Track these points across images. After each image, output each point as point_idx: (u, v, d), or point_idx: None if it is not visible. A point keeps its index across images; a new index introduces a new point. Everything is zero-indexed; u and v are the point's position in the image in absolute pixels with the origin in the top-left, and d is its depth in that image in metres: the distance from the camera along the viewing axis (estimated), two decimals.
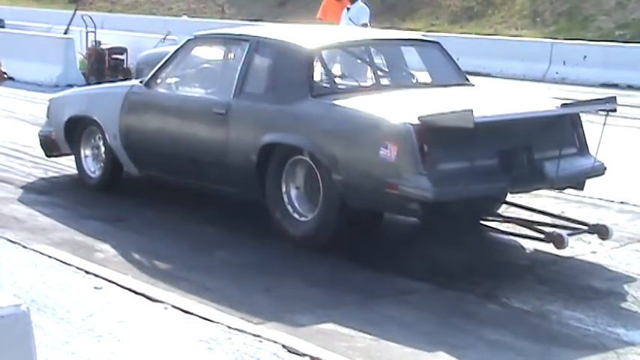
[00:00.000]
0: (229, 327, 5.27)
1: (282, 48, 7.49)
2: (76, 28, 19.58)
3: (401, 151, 6.32)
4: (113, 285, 6.01)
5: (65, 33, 19.73)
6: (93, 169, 8.86)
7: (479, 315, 5.70)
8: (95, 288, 5.95)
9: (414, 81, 7.92)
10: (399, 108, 6.70)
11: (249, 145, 7.24)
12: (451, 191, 6.32)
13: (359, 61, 8.35)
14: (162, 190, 8.53)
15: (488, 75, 20.06)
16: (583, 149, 7.09)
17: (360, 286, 6.18)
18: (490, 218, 7.34)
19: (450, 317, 5.66)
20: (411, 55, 8.15)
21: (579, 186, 7.13)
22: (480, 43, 22.66)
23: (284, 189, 7.10)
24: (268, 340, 5.09)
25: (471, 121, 5.97)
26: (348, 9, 14.78)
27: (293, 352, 4.95)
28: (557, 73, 20.33)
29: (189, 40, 8.33)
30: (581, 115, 7.17)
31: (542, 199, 8.06)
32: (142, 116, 8.29)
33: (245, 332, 5.19)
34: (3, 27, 22.98)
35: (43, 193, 8.74)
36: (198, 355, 4.92)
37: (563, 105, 6.94)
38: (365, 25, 14.12)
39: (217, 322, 5.33)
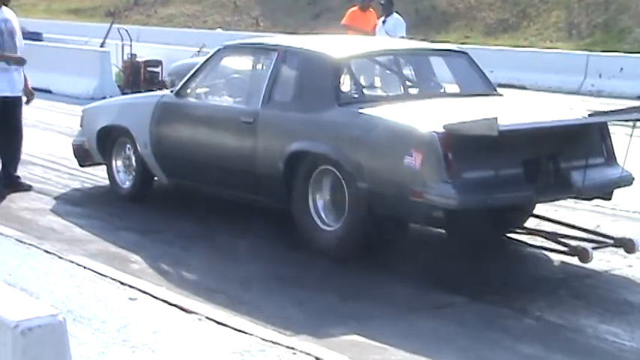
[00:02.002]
0: (263, 339, 5.26)
1: (310, 57, 7.56)
2: (112, 41, 19.77)
3: (426, 159, 6.33)
4: (147, 296, 6.03)
5: (101, 46, 19.92)
6: (124, 179, 8.96)
7: (514, 329, 5.66)
8: (130, 299, 5.97)
9: (442, 91, 7.96)
10: (424, 116, 6.71)
11: (276, 154, 7.30)
12: (476, 199, 6.32)
13: (386, 70, 8.41)
14: (195, 201, 8.56)
15: (522, 87, 20.00)
16: (611, 159, 7.06)
17: (395, 300, 6.16)
18: (514, 231, 7.31)
19: (484, 331, 5.63)
20: (439, 65, 8.16)
21: (607, 196, 7.10)
22: (515, 56, 22.58)
23: (310, 198, 7.13)
24: (302, 352, 5.08)
25: (496, 130, 5.95)
26: (384, 22, 14.82)
27: None
28: (592, 85, 20.20)
29: (218, 49, 8.41)
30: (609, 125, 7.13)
31: (577, 213, 8.01)
32: (171, 125, 8.39)
33: (279, 344, 5.19)
34: (41, 40, 23.20)
35: (79, 205, 8.81)
36: None
37: (590, 114, 6.91)
38: (402, 37, 14.13)
39: (251, 334, 5.33)
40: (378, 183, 6.65)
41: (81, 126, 9.59)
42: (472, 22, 30.48)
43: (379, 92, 7.97)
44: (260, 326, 5.50)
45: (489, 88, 7.97)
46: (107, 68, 17.88)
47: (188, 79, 8.36)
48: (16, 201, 8.89)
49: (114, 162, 9.01)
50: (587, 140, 6.86)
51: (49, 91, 17.54)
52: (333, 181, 7.02)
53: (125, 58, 18.20)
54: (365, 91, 7.81)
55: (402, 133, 6.58)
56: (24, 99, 9.43)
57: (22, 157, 9.67)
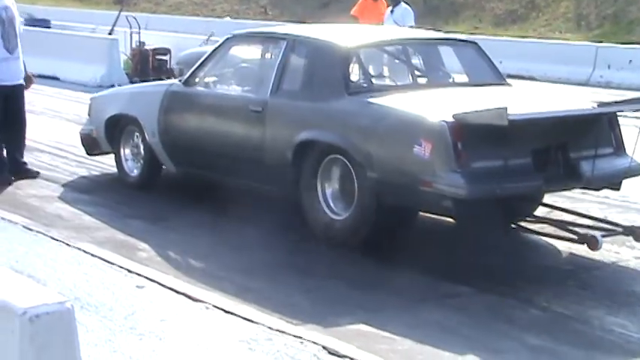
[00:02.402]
0: (270, 328, 5.26)
1: (319, 46, 7.55)
2: (120, 28, 19.74)
3: (435, 148, 6.34)
4: (155, 284, 6.03)
5: (110, 34, 19.89)
6: (132, 167, 8.97)
7: (521, 320, 5.66)
8: (137, 287, 5.97)
9: (451, 80, 7.96)
10: (434, 106, 6.70)
11: (284, 143, 7.30)
12: (485, 189, 6.31)
13: (395, 60, 8.39)
14: (203, 190, 8.55)
15: (531, 78, 19.92)
16: (620, 149, 7.05)
17: (402, 290, 6.15)
18: (523, 219, 7.30)
19: (491, 322, 5.62)
20: (448, 55, 8.14)
21: (616, 186, 7.10)
22: (524, 47, 22.51)
23: (319, 187, 7.13)
24: (309, 341, 5.08)
25: (506, 119, 5.94)
26: (392, 12, 14.79)
27: (333, 354, 4.93)
28: (601, 77, 20.14)
29: (227, 38, 8.41)
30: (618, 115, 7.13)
31: (585, 204, 8.00)
32: (180, 114, 8.38)
33: (286, 333, 5.19)
34: (49, 27, 23.19)
35: (87, 192, 8.82)
36: (239, 355, 4.93)
37: (600, 104, 6.91)
38: (411, 27, 14.08)
39: (258, 323, 5.33)
40: (387, 172, 6.65)
41: (89, 115, 9.60)
42: (481, 13, 30.40)
43: (388, 82, 7.97)
44: (267, 315, 5.50)
45: (499, 78, 7.95)
46: (115, 56, 17.86)
47: (197, 68, 8.35)
48: (23, 188, 8.90)
49: (122, 150, 9.02)
50: (596, 130, 6.85)
51: (56, 78, 17.55)
52: (342, 171, 7.01)
53: (133, 45, 18.16)
54: (374, 80, 7.79)
55: (412, 123, 6.58)
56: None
57: (30, 144, 9.69)
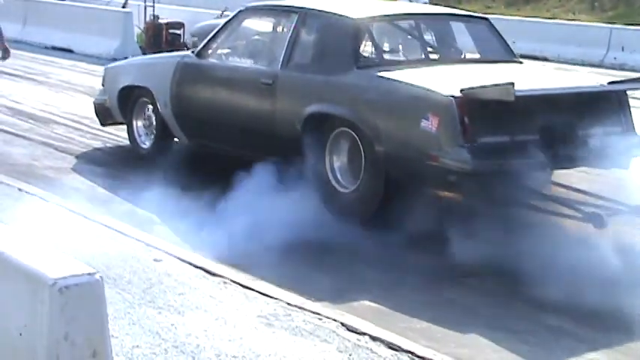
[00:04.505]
0: (289, 304, 5.27)
1: (329, 19, 7.57)
2: (134, 2, 19.69)
3: (442, 122, 6.36)
4: (172, 258, 6.04)
5: (124, 7, 19.84)
6: (145, 139, 8.98)
7: (538, 300, 5.63)
8: (155, 260, 5.98)
9: (461, 56, 7.97)
10: (442, 81, 6.73)
11: (294, 115, 7.34)
12: (490, 164, 6.35)
13: (406, 34, 8.39)
14: (219, 163, 8.50)
15: (544, 59, 19.84)
16: (629, 128, 7.03)
17: (420, 269, 6.15)
18: (530, 197, 7.26)
19: (510, 301, 5.63)
20: (459, 31, 8.16)
21: (624, 165, 7.04)
22: (537, 27, 22.39)
23: (327, 160, 7.17)
24: (327, 317, 5.09)
25: (512, 95, 5.98)
26: None
27: (352, 331, 4.94)
28: (615, 58, 20.06)
29: (239, 11, 8.45)
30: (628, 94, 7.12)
31: (592, 183, 7.93)
32: (192, 85, 8.39)
33: (304, 309, 5.19)
34: (63, 0, 23.13)
35: (102, 165, 8.83)
36: (257, 331, 4.93)
37: (609, 83, 6.91)
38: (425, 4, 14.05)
39: (277, 299, 5.33)
40: (395, 146, 6.69)
41: (103, 85, 9.61)
42: None
43: (398, 56, 8.00)
44: (285, 291, 5.50)
45: (510, 55, 7.94)
46: (129, 29, 17.84)
47: (209, 40, 8.38)
48: (39, 159, 8.90)
49: (134, 122, 9.02)
50: (605, 108, 6.83)
51: (70, 51, 17.55)
52: (351, 144, 7.04)
53: (147, 19, 18.13)
54: (384, 54, 7.79)
55: (420, 97, 6.60)
56: None
57: (45, 115, 9.68)
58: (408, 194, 6.93)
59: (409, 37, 8.33)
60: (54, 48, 18.16)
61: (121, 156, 9.22)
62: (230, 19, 8.45)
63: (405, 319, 5.27)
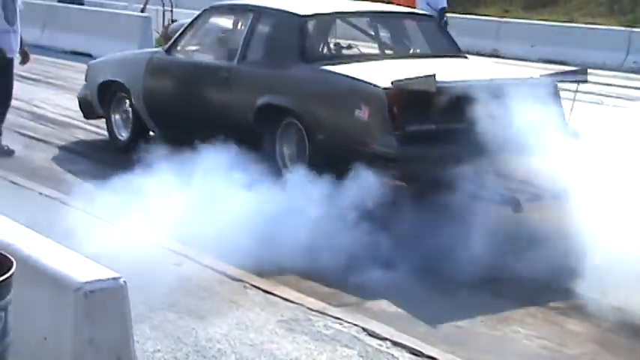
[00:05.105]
0: (310, 309, 5.27)
1: (280, 16, 8.19)
2: (152, 6, 19.74)
3: (373, 112, 6.93)
4: (192, 262, 6.04)
5: (142, 11, 19.89)
6: (122, 132, 9.51)
7: (561, 306, 5.61)
8: (175, 264, 5.98)
9: (407, 52, 8.60)
10: (378, 74, 7.20)
11: (247, 107, 7.88)
12: (414, 151, 6.82)
13: (356, 31, 8.97)
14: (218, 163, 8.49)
15: (562, 63, 19.68)
16: (558, 118, 7.15)
17: (442, 274, 6.09)
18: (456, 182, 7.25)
19: (531, 307, 5.59)
20: (408, 28, 8.74)
21: (550, 153, 7.05)
22: (555, 31, 22.20)
23: (278, 148, 7.68)
24: (349, 322, 5.09)
25: (433, 85, 6.51)
26: None
27: (373, 336, 4.94)
28: (634, 62, 19.91)
29: (204, 10, 9.04)
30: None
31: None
32: (161, 80, 9.03)
33: (326, 314, 5.19)
34: (82, 4, 23.22)
35: (123, 169, 8.74)
36: (279, 336, 4.93)
37: (541, 75, 7.39)
38: (443, 9, 14.05)
39: (298, 304, 5.34)
40: (334, 134, 7.24)
41: (85, 80, 10.15)
42: None
43: (344, 51, 8.45)
44: (306, 296, 5.50)
45: (455, 50, 8.43)
46: (148, 33, 17.85)
47: (177, 37, 9.00)
48: (60, 164, 8.94)
49: (112, 115, 9.54)
50: (534, 99, 6.87)
51: (89, 55, 17.56)
52: (297, 133, 7.53)
53: (166, 23, 18.17)
54: (330, 49, 8.37)
55: (355, 89, 7.15)
56: (16, 61, 9.35)
57: (66, 120, 9.70)
58: (424, 198, 6.96)
59: (357, 32, 8.90)
60: (73, 53, 18.22)
61: (141, 158, 9.18)
62: (196, 18, 9.01)
63: (427, 325, 5.26)
